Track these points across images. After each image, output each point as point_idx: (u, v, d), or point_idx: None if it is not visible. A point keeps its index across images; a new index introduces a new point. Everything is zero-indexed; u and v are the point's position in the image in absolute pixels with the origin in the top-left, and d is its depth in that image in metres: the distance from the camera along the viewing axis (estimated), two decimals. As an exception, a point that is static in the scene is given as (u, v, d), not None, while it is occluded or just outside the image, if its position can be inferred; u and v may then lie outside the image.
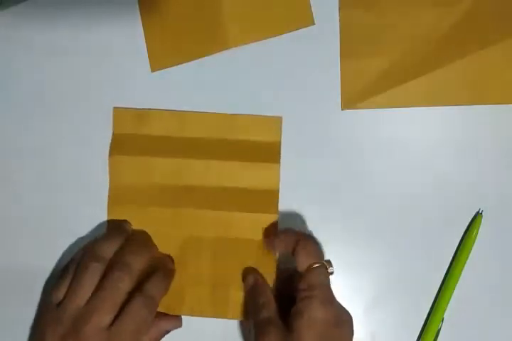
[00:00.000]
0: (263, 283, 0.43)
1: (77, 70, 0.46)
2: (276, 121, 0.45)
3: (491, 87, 0.44)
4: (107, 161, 0.45)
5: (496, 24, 0.44)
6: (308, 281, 0.39)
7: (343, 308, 0.40)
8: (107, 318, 0.39)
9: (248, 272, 0.44)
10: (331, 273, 0.40)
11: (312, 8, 0.45)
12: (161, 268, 0.43)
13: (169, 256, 0.45)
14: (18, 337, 0.45)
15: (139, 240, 0.44)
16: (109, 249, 0.42)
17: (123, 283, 0.40)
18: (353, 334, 0.40)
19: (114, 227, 0.45)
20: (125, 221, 0.45)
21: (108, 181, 0.45)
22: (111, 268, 0.41)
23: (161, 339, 0.43)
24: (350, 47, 0.45)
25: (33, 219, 0.46)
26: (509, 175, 0.45)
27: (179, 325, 0.44)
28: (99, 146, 0.45)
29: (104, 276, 0.41)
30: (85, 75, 0.46)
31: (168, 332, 0.44)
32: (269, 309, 0.40)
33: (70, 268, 0.42)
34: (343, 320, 0.39)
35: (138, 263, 0.42)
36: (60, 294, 0.41)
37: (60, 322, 0.39)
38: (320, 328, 0.38)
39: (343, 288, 0.44)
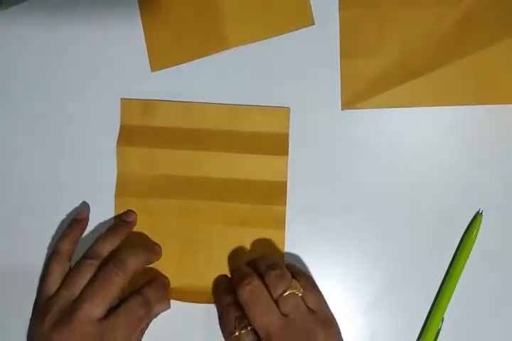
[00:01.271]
0: None
1: (77, 70, 0.46)
2: (284, 112, 0.45)
3: (490, 87, 0.44)
4: (115, 153, 0.45)
5: (496, 24, 0.44)
6: None
7: None
8: (97, 309, 0.40)
9: None
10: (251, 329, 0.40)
11: (312, 8, 0.45)
12: (159, 279, 0.44)
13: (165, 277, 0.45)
14: (19, 337, 0.45)
15: (139, 243, 0.45)
16: (105, 248, 0.43)
17: (116, 278, 0.41)
18: None
19: (114, 226, 0.45)
20: (130, 211, 0.45)
21: (115, 172, 0.45)
22: (106, 263, 0.42)
23: (151, 321, 0.43)
24: (350, 47, 0.45)
25: (39, 210, 0.46)
26: (509, 175, 0.45)
27: (168, 306, 0.44)
28: (106, 144, 0.46)
29: (98, 270, 0.41)
30: (85, 75, 0.46)
31: (157, 315, 0.44)
32: None
33: (55, 261, 0.42)
34: None
35: (134, 262, 0.42)
36: (53, 287, 0.41)
37: (52, 311, 0.40)
38: None
39: (344, 288, 0.44)
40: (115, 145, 0.45)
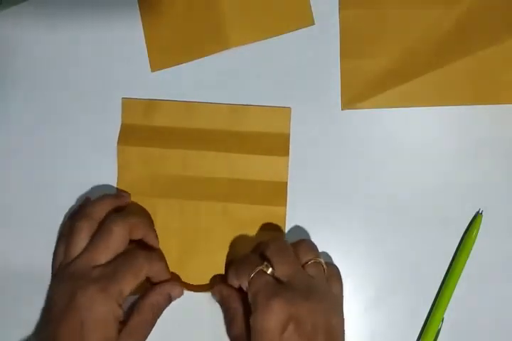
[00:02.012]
0: (230, 295, 0.42)
1: (77, 70, 0.46)
2: (286, 113, 0.45)
3: (491, 87, 0.44)
4: (115, 153, 0.45)
5: (497, 24, 0.44)
6: (249, 291, 0.39)
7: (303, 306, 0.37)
8: (99, 257, 0.40)
9: (215, 287, 0.44)
10: (271, 272, 0.39)
11: (312, 8, 0.45)
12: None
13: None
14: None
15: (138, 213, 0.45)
16: (97, 210, 0.42)
17: (116, 227, 0.41)
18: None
19: (107, 194, 0.45)
20: (123, 190, 0.45)
21: (116, 171, 0.46)
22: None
23: (165, 305, 0.43)
24: (350, 47, 0.45)
25: (39, 209, 0.46)
26: (509, 175, 0.45)
27: (180, 291, 0.44)
28: (106, 143, 0.46)
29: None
30: (85, 75, 0.46)
31: (170, 300, 0.43)
32: (236, 325, 0.41)
33: (63, 235, 0.43)
34: (292, 320, 0.37)
35: (133, 218, 0.42)
36: (60, 258, 0.42)
37: (60, 273, 0.41)
38: (264, 338, 0.37)
39: (344, 288, 0.44)
40: (115, 144, 0.45)
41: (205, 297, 0.44)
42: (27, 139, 0.46)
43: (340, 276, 0.42)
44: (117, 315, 0.39)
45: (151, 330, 0.42)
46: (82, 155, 0.46)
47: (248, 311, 0.39)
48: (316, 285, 0.39)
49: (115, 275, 0.39)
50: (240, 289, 0.42)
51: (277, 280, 0.39)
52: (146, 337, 0.41)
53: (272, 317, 0.37)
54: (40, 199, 0.46)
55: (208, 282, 0.45)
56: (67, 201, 0.46)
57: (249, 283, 0.39)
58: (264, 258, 0.40)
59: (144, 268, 0.41)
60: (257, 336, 0.37)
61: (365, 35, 0.45)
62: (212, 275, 0.45)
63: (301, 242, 0.42)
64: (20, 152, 0.46)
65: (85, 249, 0.41)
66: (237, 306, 0.42)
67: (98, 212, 0.42)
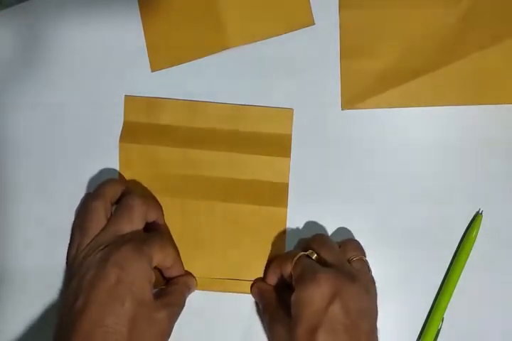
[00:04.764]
0: (267, 289, 0.43)
1: (76, 71, 0.46)
2: (288, 114, 0.45)
3: (490, 87, 0.44)
4: (117, 150, 0.45)
5: (496, 24, 0.44)
6: (293, 271, 0.39)
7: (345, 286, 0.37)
8: (124, 228, 0.40)
9: (255, 283, 0.44)
10: (316, 258, 0.40)
11: (312, 8, 0.45)
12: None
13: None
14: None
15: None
16: (110, 190, 0.42)
17: (133, 201, 0.41)
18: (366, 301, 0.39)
19: (113, 178, 0.45)
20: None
21: (118, 169, 0.46)
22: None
23: (188, 294, 0.43)
24: (350, 47, 0.45)
25: (41, 205, 0.46)
26: (509, 175, 0.45)
27: (195, 284, 0.44)
28: (108, 141, 0.46)
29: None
30: (84, 75, 0.46)
31: (190, 291, 0.43)
32: (270, 310, 0.41)
33: (76, 226, 0.43)
34: (339, 296, 0.37)
35: (149, 199, 0.43)
36: (76, 244, 0.41)
37: (83, 252, 0.40)
38: (309, 309, 0.37)
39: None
40: (117, 142, 0.45)
41: (205, 295, 0.45)
42: (28, 138, 0.46)
43: (375, 281, 0.41)
44: (150, 278, 0.39)
45: (180, 312, 0.42)
46: (84, 153, 0.46)
47: (283, 303, 0.40)
48: (360, 275, 0.39)
49: (146, 240, 0.40)
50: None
51: (322, 264, 0.39)
52: (177, 316, 0.41)
53: (319, 289, 0.36)
54: (40, 198, 0.46)
55: (205, 283, 0.45)
56: (68, 199, 0.45)
57: (293, 265, 0.39)
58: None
59: (169, 246, 0.41)
60: (301, 308, 0.37)
61: (365, 35, 0.45)
62: (209, 278, 0.45)
63: (349, 241, 0.42)
64: (21, 150, 0.46)
65: (106, 226, 0.40)
66: (272, 295, 0.42)
67: (111, 193, 0.42)
